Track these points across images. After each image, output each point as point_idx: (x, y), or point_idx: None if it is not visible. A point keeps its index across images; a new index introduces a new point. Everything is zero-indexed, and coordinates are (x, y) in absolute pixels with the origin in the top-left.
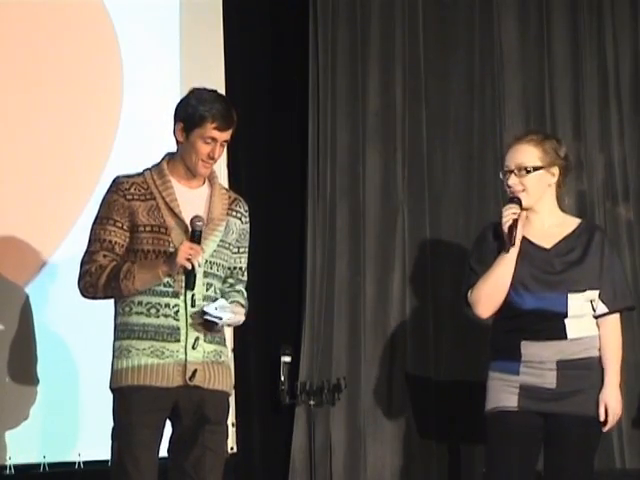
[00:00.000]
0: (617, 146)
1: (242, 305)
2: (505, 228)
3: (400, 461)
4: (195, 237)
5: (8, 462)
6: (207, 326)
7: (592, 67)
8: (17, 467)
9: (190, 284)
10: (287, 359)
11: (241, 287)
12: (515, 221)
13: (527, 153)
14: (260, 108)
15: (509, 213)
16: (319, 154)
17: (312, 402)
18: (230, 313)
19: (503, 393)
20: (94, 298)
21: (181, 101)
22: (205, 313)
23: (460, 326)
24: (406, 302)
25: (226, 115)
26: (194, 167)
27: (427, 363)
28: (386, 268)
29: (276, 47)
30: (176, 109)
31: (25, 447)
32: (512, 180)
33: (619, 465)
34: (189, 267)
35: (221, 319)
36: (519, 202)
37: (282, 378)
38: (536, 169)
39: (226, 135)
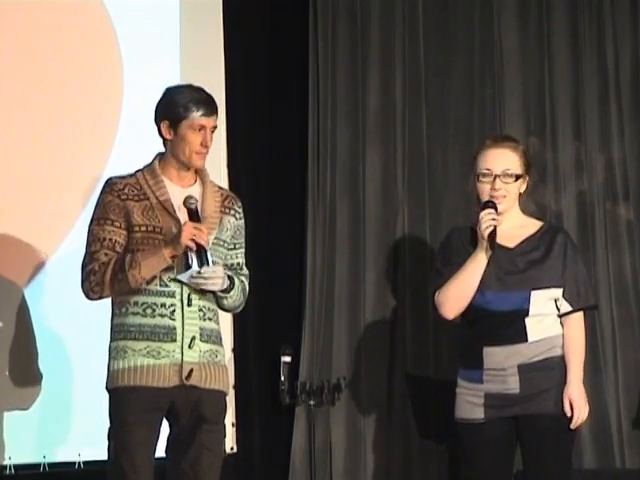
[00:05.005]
0: (617, 146)
1: (242, 289)
2: (485, 234)
3: (400, 461)
4: (194, 216)
5: (8, 462)
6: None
7: (592, 67)
8: (17, 467)
9: (205, 261)
10: (287, 359)
11: (242, 279)
12: (495, 227)
13: (511, 159)
14: (260, 108)
15: (489, 219)
16: (319, 154)
17: (312, 402)
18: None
19: (469, 404)
20: (100, 297)
21: (159, 101)
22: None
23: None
24: (406, 302)
25: (209, 101)
26: (188, 160)
27: (427, 363)
28: (386, 268)
29: (276, 47)
30: (156, 110)
31: (25, 447)
32: (499, 184)
33: (619, 465)
34: (193, 248)
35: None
36: (495, 207)
37: (282, 378)
38: (519, 177)
39: (213, 121)
